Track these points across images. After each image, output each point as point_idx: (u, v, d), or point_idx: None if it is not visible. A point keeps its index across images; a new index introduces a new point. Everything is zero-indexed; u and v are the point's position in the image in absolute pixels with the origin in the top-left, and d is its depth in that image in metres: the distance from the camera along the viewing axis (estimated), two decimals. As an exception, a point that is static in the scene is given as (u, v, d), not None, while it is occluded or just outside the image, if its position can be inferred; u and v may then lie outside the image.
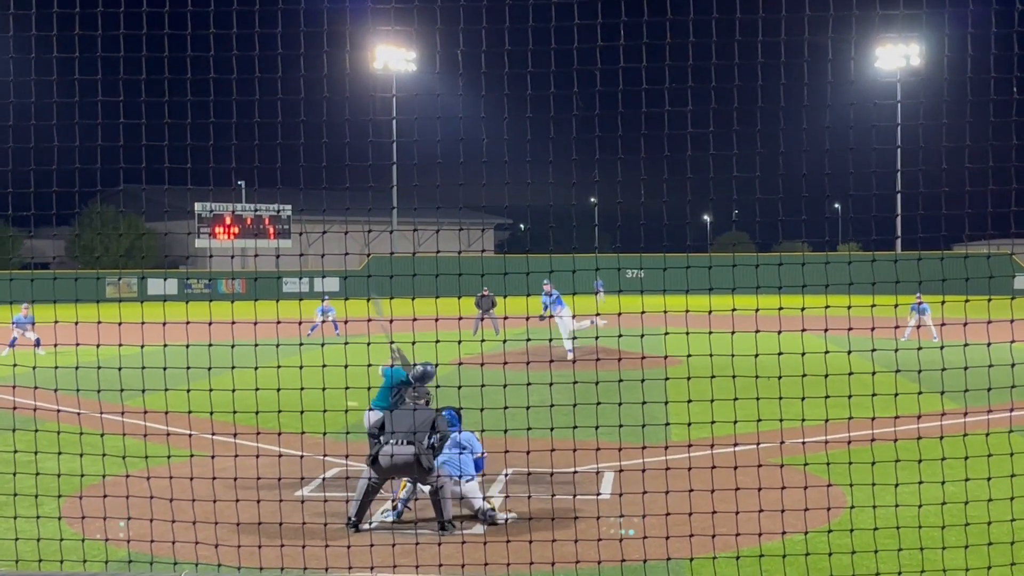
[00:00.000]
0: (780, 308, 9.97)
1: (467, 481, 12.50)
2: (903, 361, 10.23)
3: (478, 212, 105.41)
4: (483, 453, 13.02)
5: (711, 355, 10.23)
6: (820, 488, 11.40)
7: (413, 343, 10.61)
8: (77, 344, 9.89)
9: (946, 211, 11.18)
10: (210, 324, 9.72)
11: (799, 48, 10.62)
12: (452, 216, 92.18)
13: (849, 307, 10.13)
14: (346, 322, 9.84)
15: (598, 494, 12.66)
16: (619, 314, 9.86)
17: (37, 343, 31.50)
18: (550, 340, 25.12)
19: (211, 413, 10.06)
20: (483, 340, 13.55)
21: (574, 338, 30.24)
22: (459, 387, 10.69)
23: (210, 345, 9.62)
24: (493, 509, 12.54)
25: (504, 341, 9.89)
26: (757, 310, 10.07)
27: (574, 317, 31.01)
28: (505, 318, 10.49)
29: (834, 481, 12.11)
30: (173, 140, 10.32)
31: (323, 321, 33.54)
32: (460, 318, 11.99)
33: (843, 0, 10.63)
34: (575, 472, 12.00)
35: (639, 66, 10.28)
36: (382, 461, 12.05)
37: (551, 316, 31.92)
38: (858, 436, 11.59)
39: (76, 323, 9.86)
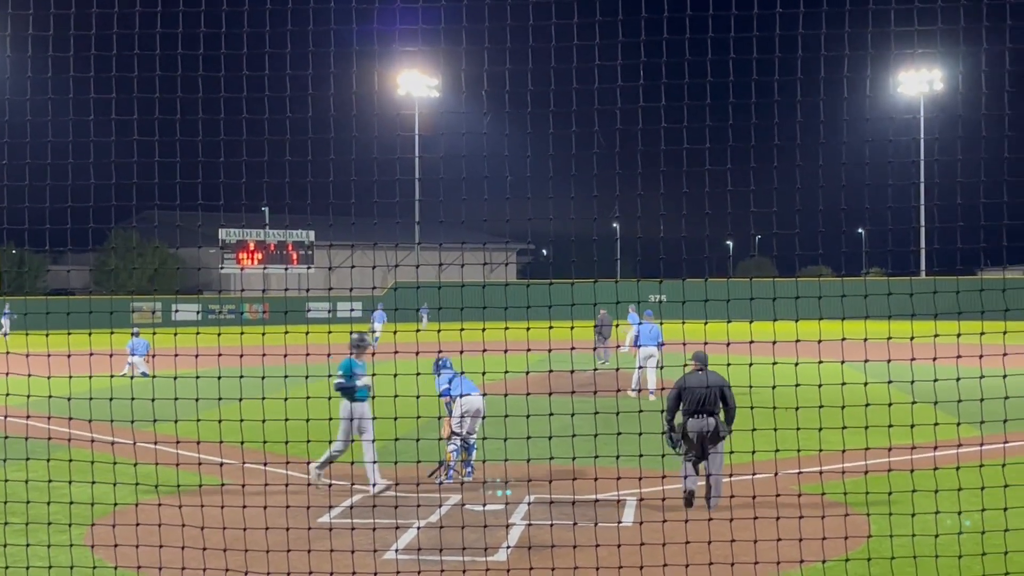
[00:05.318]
0: (797, 340, 10.21)
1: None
2: (920, 391, 10.40)
3: (501, 239, 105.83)
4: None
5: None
6: (838, 517, 11.55)
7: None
8: (111, 376, 10.18)
9: (977, 238, 11.38)
10: (241, 356, 10.00)
11: (815, 85, 10.88)
12: (476, 242, 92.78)
13: (865, 339, 10.34)
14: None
15: (619, 522, 12.85)
16: (638, 345, 10.08)
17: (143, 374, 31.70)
18: (571, 371, 25.16)
19: (242, 443, 10.33)
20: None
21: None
22: (483, 417, 10.90)
23: (241, 377, 9.90)
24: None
25: (527, 372, 10.12)
26: (775, 342, 10.30)
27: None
28: (528, 350, 10.72)
29: (852, 510, 12.26)
30: (205, 176, 10.70)
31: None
32: (484, 350, 12.24)
33: (858, 40, 10.87)
34: (596, 500, 12.19)
35: (658, 105, 10.55)
36: None
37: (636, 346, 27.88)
38: (875, 465, 11.76)
39: (111, 354, 10.16)
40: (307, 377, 9.72)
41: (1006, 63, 10.66)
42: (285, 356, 9.56)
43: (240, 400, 10.15)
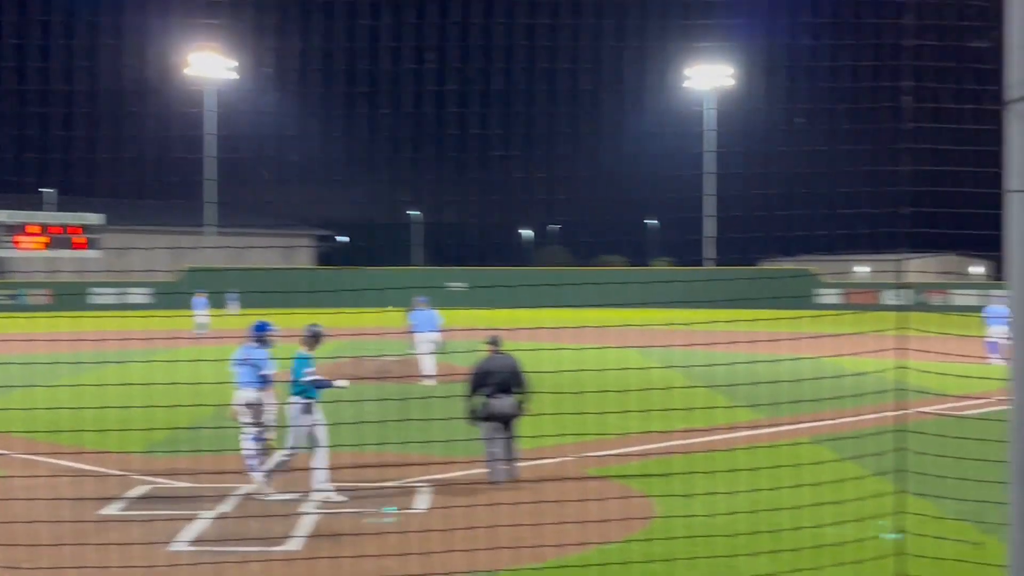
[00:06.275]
0: (583, 326, 10.38)
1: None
2: (699, 376, 10.75)
3: (298, 224, 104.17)
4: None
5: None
6: (622, 499, 11.82)
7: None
8: None
9: (756, 228, 11.80)
10: (8, 342, 9.48)
11: (609, 75, 11.07)
12: (271, 227, 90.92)
13: (650, 326, 10.60)
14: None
15: (410, 509, 12.81)
16: (415, 331, 10.05)
17: None
18: (362, 358, 25.03)
19: (9, 432, 9.81)
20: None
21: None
22: (263, 406, 10.67)
23: (7, 363, 9.38)
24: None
25: (328, 357, 9.95)
26: (563, 328, 10.42)
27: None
28: (327, 334, 10.55)
29: (634, 492, 12.57)
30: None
31: None
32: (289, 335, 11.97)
33: (650, 33, 11.12)
34: (385, 488, 12.12)
35: (456, 88, 10.54)
36: None
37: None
38: (657, 448, 12.09)
39: None
40: (78, 364, 9.29)
41: (786, 58, 11.10)
42: (51, 342, 9.11)
43: (8, 388, 9.62)
